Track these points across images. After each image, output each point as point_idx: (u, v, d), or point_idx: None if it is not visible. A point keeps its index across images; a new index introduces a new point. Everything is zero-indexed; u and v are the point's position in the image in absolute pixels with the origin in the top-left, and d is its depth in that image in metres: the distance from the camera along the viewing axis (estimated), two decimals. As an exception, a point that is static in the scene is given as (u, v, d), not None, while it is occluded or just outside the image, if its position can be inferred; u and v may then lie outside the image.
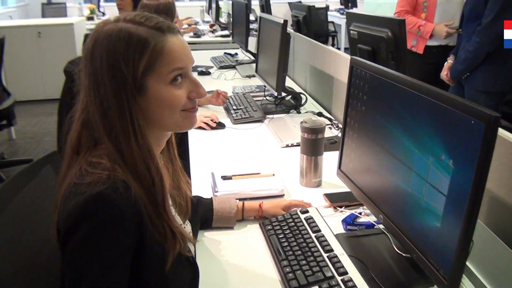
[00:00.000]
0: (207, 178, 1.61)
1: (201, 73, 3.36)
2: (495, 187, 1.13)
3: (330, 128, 2.14)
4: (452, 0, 3.08)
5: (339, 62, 2.28)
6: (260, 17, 2.72)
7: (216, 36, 5.21)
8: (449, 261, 0.87)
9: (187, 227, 1.10)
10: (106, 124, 0.86)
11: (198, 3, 8.62)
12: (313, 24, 3.78)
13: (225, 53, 4.02)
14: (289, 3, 4.47)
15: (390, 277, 1.08)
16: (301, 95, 2.46)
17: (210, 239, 1.28)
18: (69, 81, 2.01)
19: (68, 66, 2.04)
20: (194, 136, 2.06)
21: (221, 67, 3.53)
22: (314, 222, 1.26)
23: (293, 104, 2.47)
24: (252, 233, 1.31)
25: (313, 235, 1.21)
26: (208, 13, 6.99)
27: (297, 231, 1.23)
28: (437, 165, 0.91)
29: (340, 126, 2.10)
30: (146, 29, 0.88)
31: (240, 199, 1.38)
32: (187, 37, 5.13)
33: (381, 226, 1.25)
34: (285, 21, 2.19)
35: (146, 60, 0.87)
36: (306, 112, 2.42)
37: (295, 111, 2.41)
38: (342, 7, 8.70)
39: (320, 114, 2.35)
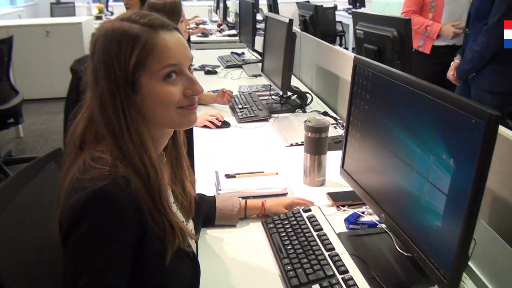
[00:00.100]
0: (211, 176, 1.61)
1: (208, 72, 3.38)
2: (498, 188, 1.12)
3: (335, 127, 2.14)
4: (459, 0, 3.06)
5: (344, 62, 2.28)
6: (266, 17, 2.73)
7: (224, 36, 5.22)
8: (449, 260, 0.87)
9: (189, 225, 1.11)
10: (106, 120, 0.88)
11: (206, 2, 8.64)
12: (320, 24, 3.78)
13: (232, 52, 4.03)
14: (297, 3, 4.46)
15: (391, 276, 1.08)
16: (307, 95, 2.46)
17: (212, 236, 1.28)
18: (75, 79, 2.02)
19: (75, 65, 2.05)
20: (199, 135, 2.08)
21: (228, 66, 3.54)
22: (316, 220, 1.26)
23: (299, 103, 2.47)
24: (255, 231, 1.31)
25: (315, 233, 1.21)
26: (216, 13, 7.02)
27: (299, 229, 1.23)
28: (438, 164, 0.91)
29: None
30: (139, 26, 0.89)
31: (243, 197, 1.39)
32: (194, 37, 5.15)
33: (384, 226, 1.25)
34: (291, 20, 2.19)
35: (137, 56, 0.87)
36: (312, 111, 2.41)
37: (300, 110, 2.41)
38: (350, 6, 8.66)
39: (325, 114, 2.35)
